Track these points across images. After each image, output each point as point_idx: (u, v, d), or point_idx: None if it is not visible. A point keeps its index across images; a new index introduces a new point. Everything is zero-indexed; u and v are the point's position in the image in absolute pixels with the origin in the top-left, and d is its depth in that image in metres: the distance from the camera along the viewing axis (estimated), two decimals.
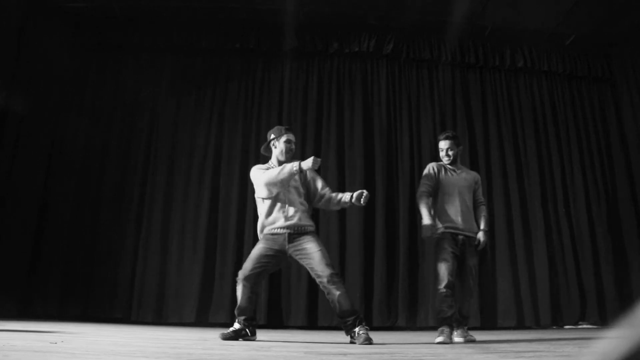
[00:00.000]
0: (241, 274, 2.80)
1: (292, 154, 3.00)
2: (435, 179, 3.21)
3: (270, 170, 2.85)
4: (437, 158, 5.45)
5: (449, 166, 3.30)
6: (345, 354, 1.83)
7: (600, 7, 5.32)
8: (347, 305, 2.54)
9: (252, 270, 2.76)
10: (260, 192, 2.87)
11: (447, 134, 3.33)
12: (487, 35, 5.82)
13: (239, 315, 2.76)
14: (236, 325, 2.74)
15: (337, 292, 2.55)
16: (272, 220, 2.83)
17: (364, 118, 5.51)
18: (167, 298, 4.84)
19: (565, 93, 6.02)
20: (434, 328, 4.74)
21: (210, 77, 5.60)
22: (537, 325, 5.01)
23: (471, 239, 3.09)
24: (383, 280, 4.95)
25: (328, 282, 2.57)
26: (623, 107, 5.93)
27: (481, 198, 3.37)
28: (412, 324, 4.82)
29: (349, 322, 2.53)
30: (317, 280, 2.65)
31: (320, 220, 4.94)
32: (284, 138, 2.96)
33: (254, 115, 5.49)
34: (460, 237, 3.04)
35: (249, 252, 4.95)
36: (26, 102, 4.87)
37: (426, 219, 3.04)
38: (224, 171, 5.26)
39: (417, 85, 5.76)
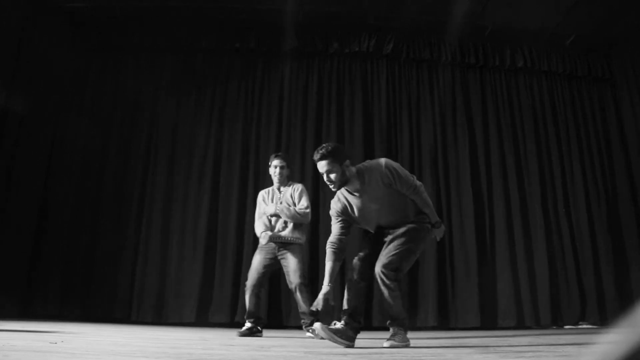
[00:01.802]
0: (248, 283, 3.35)
1: (283, 177, 3.51)
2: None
3: (256, 223, 3.53)
4: (437, 158, 5.52)
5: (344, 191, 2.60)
6: (345, 354, 1.83)
7: (600, 7, 5.32)
8: (305, 308, 3.21)
9: (257, 279, 3.35)
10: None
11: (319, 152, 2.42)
12: (487, 35, 5.82)
13: (249, 318, 3.31)
14: (248, 325, 3.30)
15: (300, 297, 3.25)
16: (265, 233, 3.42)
17: (364, 118, 5.51)
18: (167, 298, 4.84)
19: (565, 93, 6.02)
20: (434, 328, 4.78)
21: (210, 77, 5.60)
22: (537, 325, 5.01)
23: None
24: None
25: (295, 288, 3.27)
26: (623, 107, 5.93)
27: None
28: (412, 324, 4.82)
29: (306, 321, 3.27)
30: (289, 285, 3.34)
31: (321, 219, 4.94)
32: (271, 164, 3.54)
33: (254, 115, 5.49)
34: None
35: (249, 252, 5.00)
36: (26, 102, 4.86)
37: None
38: (224, 171, 5.26)
39: (417, 85, 5.76)
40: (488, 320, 4.92)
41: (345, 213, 2.48)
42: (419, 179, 5.34)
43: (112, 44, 5.59)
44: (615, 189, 5.68)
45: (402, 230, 2.41)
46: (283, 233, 3.39)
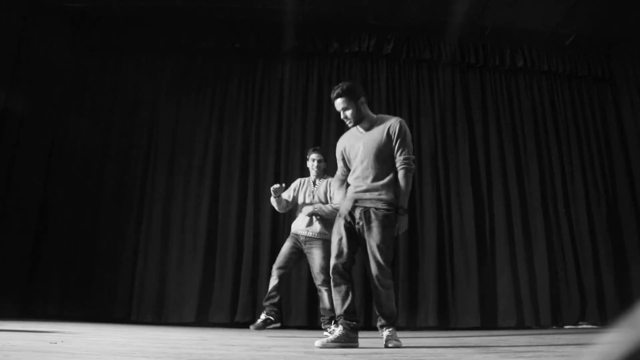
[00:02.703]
0: (274, 266, 3.41)
1: (321, 170, 3.60)
2: None
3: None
4: (437, 158, 5.51)
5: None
6: (345, 354, 1.83)
7: (600, 7, 5.32)
8: (327, 305, 3.20)
9: (282, 262, 3.41)
10: None
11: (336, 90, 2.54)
12: (487, 35, 5.82)
13: (267, 300, 3.33)
14: (262, 317, 3.32)
15: (325, 294, 3.22)
16: (296, 223, 3.51)
17: None
18: (167, 298, 4.84)
19: (565, 93, 6.02)
20: (434, 328, 4.78)
21: (210, 77, 5.61)
22: (537, 325, 5.01)
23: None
24: None
25: (320, 284, 3.27)
26: (623, 107, 5.94)
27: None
28: (412, 324, 4.82)
29: (325, 319, 3.25)
30: (314, 281, 3.34)
31: None
32: (309, 157, 3.66)
33: (254, 115, 5.49)
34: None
35: (249, 252, 5.00)
36: (26, 102, 4.87)
37: None
38: (224, 171, 5.26)
39: (417, 85, 5.76)
40: (488, 320, 4.92)
41: (343, 154, 2.60)
42: (419, 179, 5.38)
43: (112, 44, 5.59)
44: (615, 189, 5.68)
45: (373, 225, 2.33)
46: (309, 227, 3.41)
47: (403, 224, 2.38)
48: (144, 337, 2.75)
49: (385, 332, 2.34)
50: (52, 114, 5.28)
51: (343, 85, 2.48)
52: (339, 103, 2.48)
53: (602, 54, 6.11)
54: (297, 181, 3.72)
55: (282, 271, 3.38)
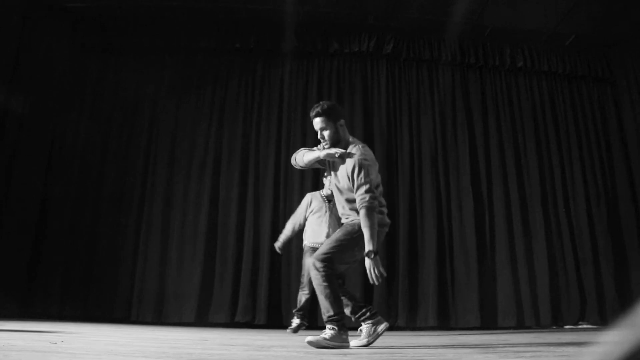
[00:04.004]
0: (304, 281, 3.78)
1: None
2: None
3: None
4: (437, 158, 5.52)
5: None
6: (345, 354, 1.83)
7: (600, 7, 5.32)
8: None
9: (308, 277, 3.65)
10: None
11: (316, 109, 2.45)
12: (487, 35, 5.82)
13: (298, 311, 3.79)
14: (297, 320, 3.77)
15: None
16: (310, 236, 3.82)
17: (364, 118, 5.51)
18: (167, 298, 4.84)
19: (565, 93, 6.02)
20: (433, 328, 4.78)
21: (210, 77, 5.61)
22: (537, 325, 5.01)
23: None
24: (383, 280, 4.94)
25: None
26: (623, 107, 5.93)
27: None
28: (412, 324, 4.82)
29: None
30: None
31: None
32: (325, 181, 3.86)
33: (254, 115, 5.49)
34: None
35: (249, 252, 5.01)
36: (26, 101, 4.87)
37: None
38: (224, 171, 5.26)
39: (417, 85, 5.76)
40: (488, 320, 4.92)
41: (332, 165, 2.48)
42: (419, 178, 5.39)
43: (112, 44, 5.59)
44: (615, 189, 5.67)
45: (342, 228, 2.38)
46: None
47: (374, 266, 2.18)
48: (144, 337, 2.75)
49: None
50: (52, 114, 5.28)
51: (324, 104, 2.39)
52: (317, 122, 2.38)
53: (602, 54, 6.11)
54: (307, 199, 3.94)
55: (310, 287, 3.64)
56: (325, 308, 2.19)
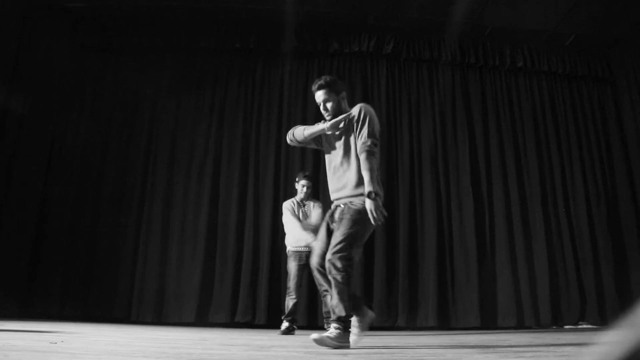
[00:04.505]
0: (291, 287, 3.84)
1: (308, 195, 4.04)
2: None
3: (295, 227, 3.97)
4: (437, 158, 5.52)
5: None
6: (345, 354, 1.83)
7: (600, 7, 5.32)
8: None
9: (296, 283, 3.87)
10: None
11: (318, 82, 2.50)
12: (487, 35, 5.83)
13: (287, 317, 3.79)
14: (286, 324, 3.75)
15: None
16: (295, 241, 3.93)
17: None
18: (167, 298, 4.84)
19: (565, 93, 6.02)
20: (434, 328, 4.78)
21: (210, 77, 5.61)
22: (537, 325, 5.01)
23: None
24: (383, 280, 4.96)
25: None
26: (623, 107, 5.94)
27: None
28: (412, 324, 4.82)
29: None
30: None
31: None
32: (299, 182, 4.06)
33: (254, 115, 5.49)
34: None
35: (249, 252, 5.01)
36: (26, 102, 4.87)
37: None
38: (224, 171, 5.26)
39: (417, 85, 5.76)
40: (488, 320, 4.92)
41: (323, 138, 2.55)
42: (419, 179, 5.39)
43: (112, 44, 5.60)
44: (615, 189, 5.67)
45: (345, 217, 2.26)
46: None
47: (370, 206, 2.15)
48: (144, 337, 2.75)
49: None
50: (52, 114, 5.28)
51: (326, 77, 2.47)
52: (319, 95, 2.45)
53: (602, 54, 6.11)
54: (289, 205, 4.04)
55: (298, 292, 3.84)
56: (338, 308, 2.14)
